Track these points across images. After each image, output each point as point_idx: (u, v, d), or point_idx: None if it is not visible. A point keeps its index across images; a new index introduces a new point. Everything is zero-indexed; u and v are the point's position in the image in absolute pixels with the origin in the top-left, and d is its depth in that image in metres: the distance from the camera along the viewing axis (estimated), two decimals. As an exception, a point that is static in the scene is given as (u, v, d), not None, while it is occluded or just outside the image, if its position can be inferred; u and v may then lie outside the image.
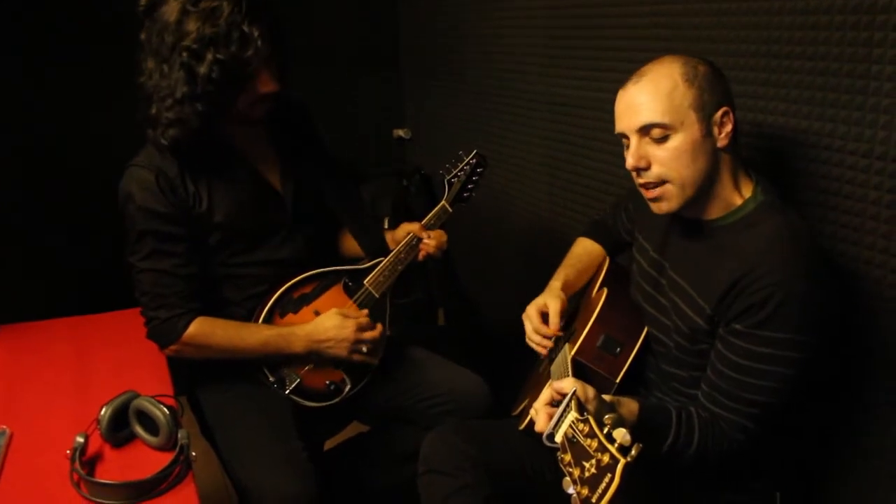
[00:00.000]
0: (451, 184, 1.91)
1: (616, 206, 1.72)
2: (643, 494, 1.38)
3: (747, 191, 1.30)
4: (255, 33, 1.45)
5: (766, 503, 1.39)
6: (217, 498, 2.13)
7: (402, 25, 3.35)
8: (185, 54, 1.44)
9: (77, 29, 2.56)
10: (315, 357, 1.67)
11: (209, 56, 1.44)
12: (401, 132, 3.41)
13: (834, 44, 1.32)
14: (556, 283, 1.62)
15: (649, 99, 1.24)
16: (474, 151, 1.95)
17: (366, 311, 1.73)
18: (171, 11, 1.46)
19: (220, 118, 1.55)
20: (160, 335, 1.60)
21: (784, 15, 1.41)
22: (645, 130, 1.25)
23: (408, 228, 1.85)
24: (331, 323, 1.65)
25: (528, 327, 1.56)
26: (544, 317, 1.56)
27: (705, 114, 1.23)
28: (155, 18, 1.48)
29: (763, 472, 1.38)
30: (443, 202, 1.89)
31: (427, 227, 1.85)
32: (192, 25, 1.44)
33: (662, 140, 1.24)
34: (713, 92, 1.24)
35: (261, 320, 1.65)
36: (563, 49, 2.18)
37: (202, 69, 1.44)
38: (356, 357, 1.67)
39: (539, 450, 1.41)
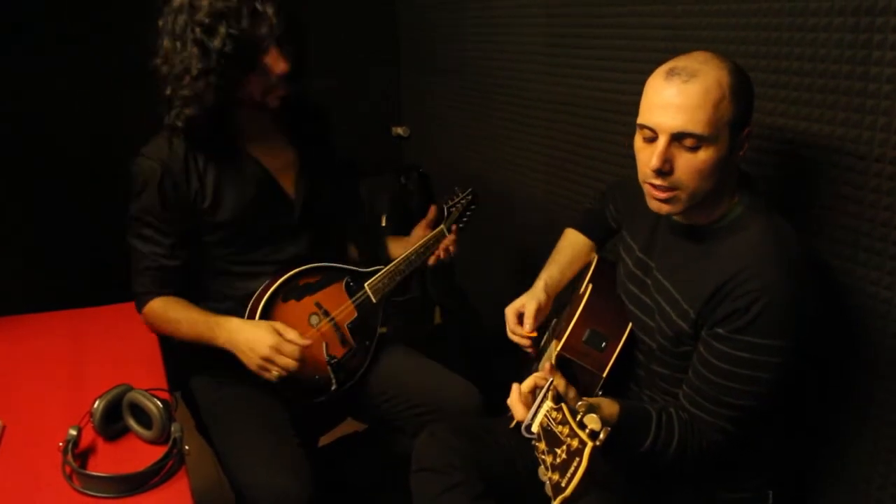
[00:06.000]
0: (449, 212, 2.01)
1: (605, 195, 1.71)
2: (634, 494, 1.38)
3: (736, 194, 1.29)
4: (269, 11, 1.48)
5: (759, 502, 1.39)
6: (210, 492, 2.12)
7: (401, 22, 3.35)
8: (197, 30, 1.47)
9: (80, 22, 2.55)
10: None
11: (222, 30, 1.46)
12: (399, 130, 3.40)
13: (833, 46, 1.32)
14: (539, 283, 1.64)
15: (696, 106, 1.16)
16: (469, 189, 2.06)
17: (308, 342, 1.57)
18: None
19: (234, 97, 1.56)
20: (135, 301, 1.68)
21: (783, 16, 1.41)
22: (679, 136, 1.18)
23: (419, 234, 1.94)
24: (253, 335, 1.55)
25: (507, 327, 1.60)
26: (522, 318, 1.58)
27: (735, 131, 1.20)
28: (171, 3, 1.52)
29: (755, 471, 1.39)
30: (441, 226, 1.97)
31: (426, 247, 1.92)
32: (204, 1, 1.47)
33: (693, 149, 1.18)
34: (747, 110, 1.22)
35: (264, 300, 1.64)
36: (563, 48, 2.18)
37: (215, 43, 1.47)
38: (265, 375, 1.55)
39: (531, 447, 1.41)
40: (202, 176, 1.61)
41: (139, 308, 1.67)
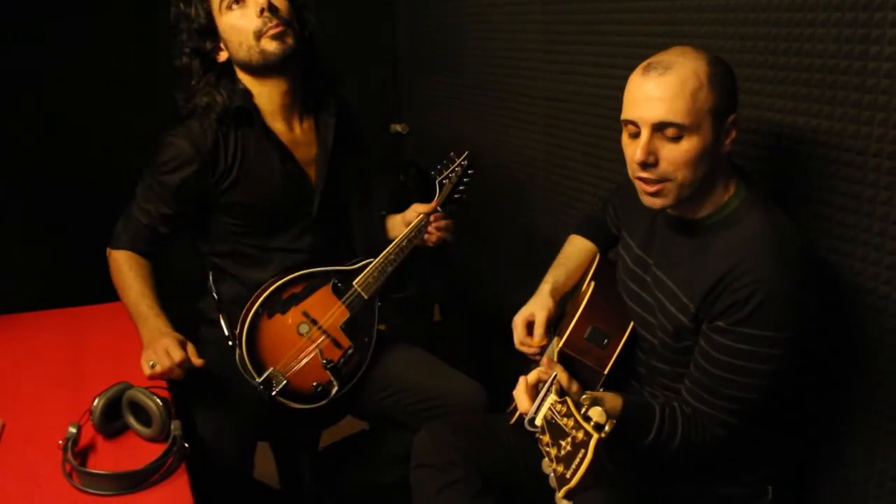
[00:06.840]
0: (441, 185, 1.89)
1: (606, 201, 1.72)
2: (634, 488, 1.38)
3: (731, 188, 1.29)
4: None
5: (758, 497, 1.39)
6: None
7: (400, 19, 3.35)
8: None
9: (80, 22, 2.56)
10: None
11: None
12: (398, 127, 3.40)
13: (831, 41, 1.32)
14: (545, 287, 1.62)
15: (673, 96, 1.18)
16: (465, 152, 1.90)
17: (200, 362, 1.49)
18: None
19: (216, 49, 1.66)
20: (110, 238, 1.72)
21: (781, 12, 1.41)
22: (660, 126, 1.20)
23: (415, 212, 1.87)
24: (161, 346, 1.47)
25: (515, 338, 1.58)
26: (531, 326, 1.57)
27: (719, 119, 1.21)
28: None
29: (755, 465, 1.39)
30: (433, 204, 1.87)
31: (418, 229, 1.86)
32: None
33: (675, 139, 1.20)
34: (729, 97, 1.23)
35: (248, 318, 1.65)
36: (562, 44, 2.18)
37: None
38: (147, 369, 1.46)
39: (531, 444, 1.41)
40: (231, 158, 1.66)
41: (109, 246, 1.72)
